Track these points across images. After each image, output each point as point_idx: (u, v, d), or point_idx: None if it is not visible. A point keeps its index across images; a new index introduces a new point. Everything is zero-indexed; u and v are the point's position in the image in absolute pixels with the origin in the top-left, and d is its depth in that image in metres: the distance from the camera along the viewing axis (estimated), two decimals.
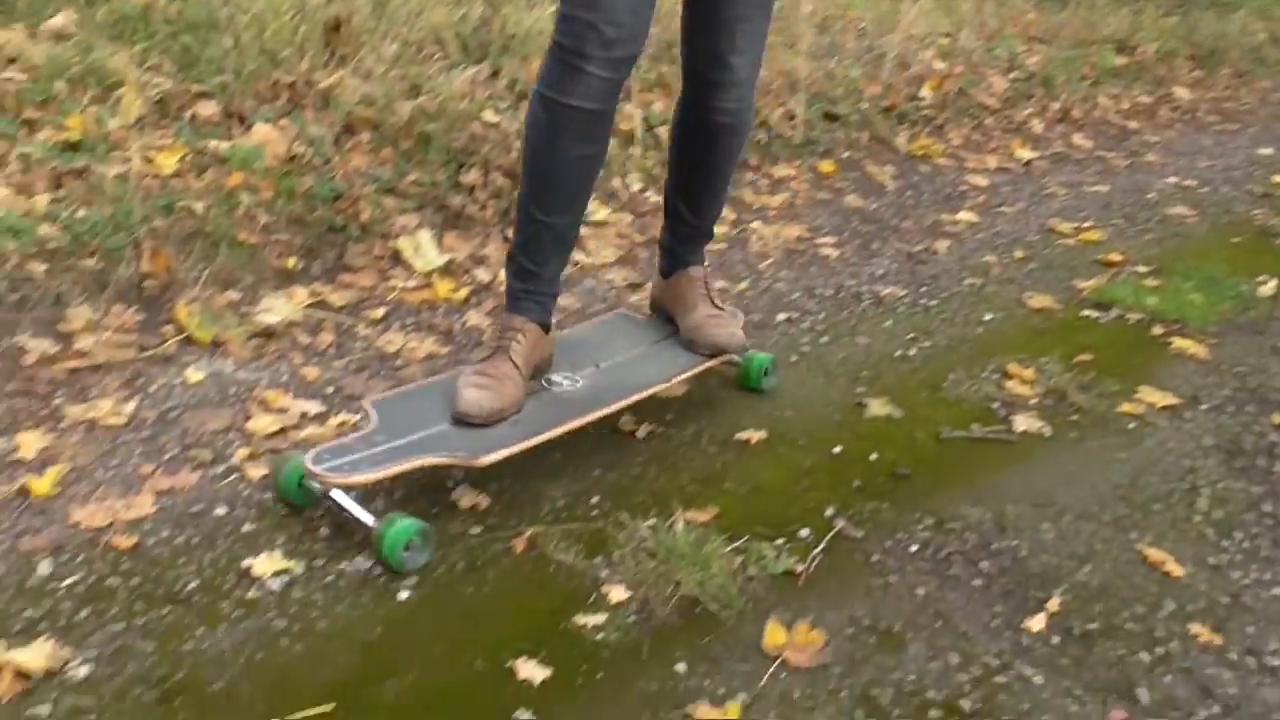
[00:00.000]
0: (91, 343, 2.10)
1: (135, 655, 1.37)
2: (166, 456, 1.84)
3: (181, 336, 2.19)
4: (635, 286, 2.71)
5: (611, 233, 2.99)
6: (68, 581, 1.51)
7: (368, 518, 1.61)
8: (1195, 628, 1.57)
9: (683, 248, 2.20)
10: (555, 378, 1.99)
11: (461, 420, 1.76)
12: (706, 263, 2.26)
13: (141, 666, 1.36)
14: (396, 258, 2.63)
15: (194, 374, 2.09)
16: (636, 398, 1.95)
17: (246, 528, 1.67)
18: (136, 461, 1.82)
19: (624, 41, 1.75)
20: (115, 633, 1.41)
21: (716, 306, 2.16)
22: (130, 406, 1.96)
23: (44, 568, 1.54)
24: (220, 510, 1.71)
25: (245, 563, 1.57)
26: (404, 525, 1.56)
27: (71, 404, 1.94)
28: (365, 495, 1.71)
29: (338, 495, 1.65)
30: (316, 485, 1.65)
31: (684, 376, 2.07)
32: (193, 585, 1.53)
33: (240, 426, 1.95)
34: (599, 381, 1.99)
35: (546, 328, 1.97)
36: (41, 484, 1.71)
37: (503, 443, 1.73)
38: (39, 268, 2.17)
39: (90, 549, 1.58)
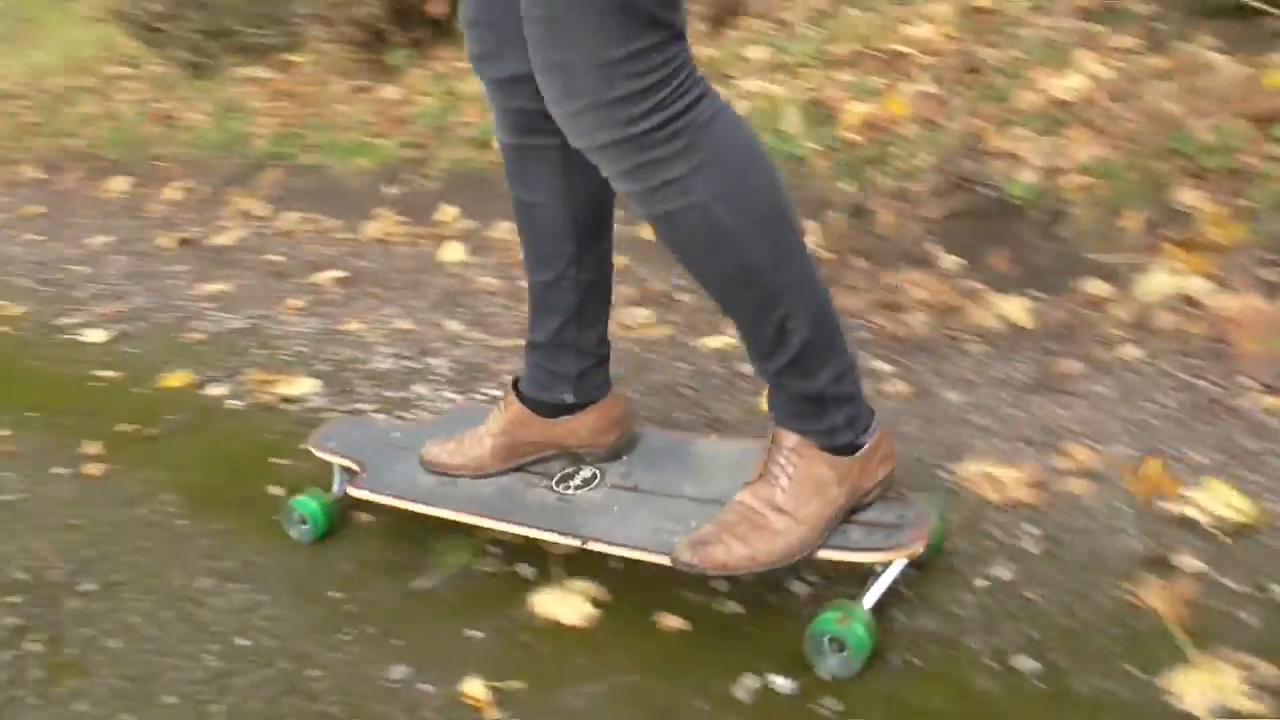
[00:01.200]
0: None
1: None
2: None
3: None
4: None
5: None
6: None
7: None
8: None
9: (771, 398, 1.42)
10: (581, 473, 1.65)
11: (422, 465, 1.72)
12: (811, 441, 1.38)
13: None
14: None
15: None
16: (609, 548, 1.45)
17: None
18: None
19: (488, 58, 1.45)
20: None
21: (776, 509, 1.35)
22: None
23: None
24: None
25: None
26: None
27: None
28: None
29: None
30: None
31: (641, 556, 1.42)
32: None
33: None
34: (619, 504, 1.55)
35: (538, 407, 1.64)
36: None
37: (438, 500, 1.63)
38: None
39: None
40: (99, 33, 5.63)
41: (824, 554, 1.37)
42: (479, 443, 1.67)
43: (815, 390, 1.34)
